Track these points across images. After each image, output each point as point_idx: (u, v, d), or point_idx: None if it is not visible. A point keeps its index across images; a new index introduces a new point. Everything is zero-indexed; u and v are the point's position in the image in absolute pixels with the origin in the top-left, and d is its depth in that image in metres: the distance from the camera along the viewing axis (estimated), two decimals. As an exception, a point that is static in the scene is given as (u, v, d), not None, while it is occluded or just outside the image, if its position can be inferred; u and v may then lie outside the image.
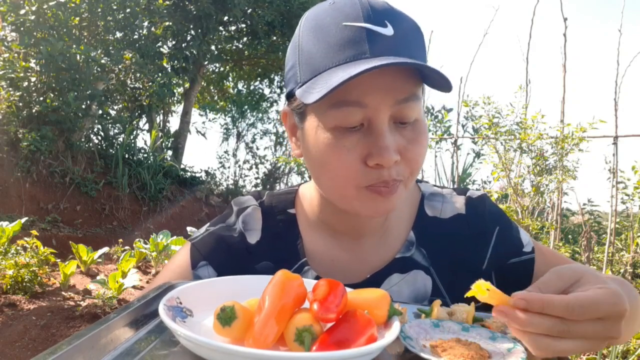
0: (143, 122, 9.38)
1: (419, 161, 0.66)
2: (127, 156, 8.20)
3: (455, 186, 6.33)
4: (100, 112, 7.84)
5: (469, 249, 0.78)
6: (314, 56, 0.64)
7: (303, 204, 0.82)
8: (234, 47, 10.93)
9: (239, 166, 11.80)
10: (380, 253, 0.78)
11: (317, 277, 0.76)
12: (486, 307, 0.77)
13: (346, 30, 0.62)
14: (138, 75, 8.23)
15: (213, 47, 10.08)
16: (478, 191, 0.84)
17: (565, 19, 4.92)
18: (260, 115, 12.31)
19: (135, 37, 8.24)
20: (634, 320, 0.57)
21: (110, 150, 8.19)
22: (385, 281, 0.75)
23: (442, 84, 0.63)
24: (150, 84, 8.28)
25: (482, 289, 0.49)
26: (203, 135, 11.21)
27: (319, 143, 0.66)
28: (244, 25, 10.28)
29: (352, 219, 0.75)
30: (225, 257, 0.79)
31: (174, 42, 9.16)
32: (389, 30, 0.62)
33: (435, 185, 0.85)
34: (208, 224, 0.84)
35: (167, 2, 8.14)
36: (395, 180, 0.64)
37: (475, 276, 0.75)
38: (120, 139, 8.37)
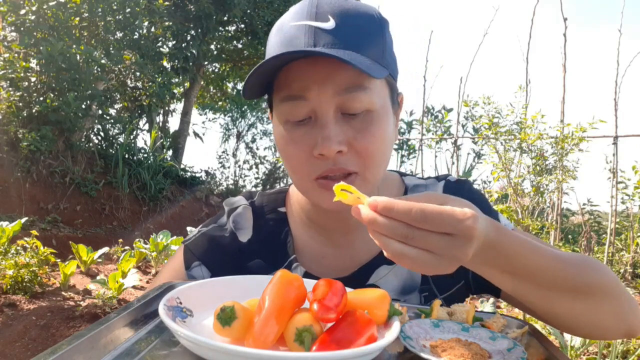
0: (143, 122, 9.39)
1: (369, 152, 0.66)
2: (127, 156, 8.20)
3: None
4: (100, 112, 7.84)
5: None
6: (266, 57, 0.67)
7: (293, 203, 0.84)
8: (233, 47, 10.93)
9: (239, 166, 11.82)
10: (367, 247, 0.78)
11: (306, 274, 0.77)
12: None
13: (292, 29, 0.64)
14: (138, 75, 8.23)
15: (213, 47, 10.08)
16: (460, 177, 0.84)
17: (565, 19, 4.92)
18: (260, 115, 12.32)
19: (135, 37, 8.24)
20: (506, 255, 0.54)
21: (110, 150, 8.19)
22: (374, 274, 0.76)
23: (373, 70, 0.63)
24: (150, 84, 8.28)
25: (344, 193, 0.51)
26: (201, 138, 11.22)
27: (277, 137, 0.70)
28: (243, 25, 10.28)
29: (335, 215, 0.76)
30: (217, 256, 0.80)
31: (174, 42, 9.16)
32: (329, 24, 0.63)
33: (419, 178, 0.86)
34: (201, 225, 0.86)
35: (167, 2, 8.13)
36: (342, 169, 0.64)
37: None
38: (120, 139, 8.37)
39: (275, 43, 0.66)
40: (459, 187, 0.82)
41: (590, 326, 0.64)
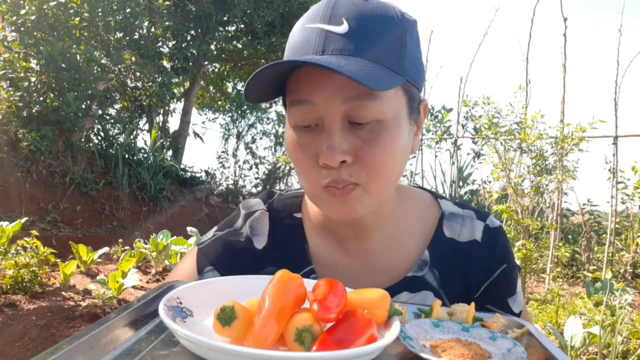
0: (143, 122, 9.39)
1: (375, 164, 0.63)
2: (127, 156, 8.20)
3: (455, 185, 6.34)
4: (100, 112, 7.84)
5: (473, 276, 0.77)
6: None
7: (308, 208, 0.81)
8: (233, 47, 10.94)
9: (239, 166, 11.81)
10: (391, 269, 0.76)
11: None
12: (486, 307, 0.77)
13: (305, 32, 0.62)
14: (138, 75, 8.24)
15: (213, 47, 10.09)
16: (497, 221, 0.82)
17: (565, 19, 4.92)
18: (259, 115, 12.32)
19: (135, 37, 8.25)
20: None
21: (110, 150, 8.19)
22: (394, 299, 0.74)
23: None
24: (150, 84, 8.29)
25: None
26: (201, 138, 11.22)
27: (287, 140, 0.68)
28: (243, 25, 10.29)
29: (347, 222, 0.74)
30: (231, 262, 0.78)
31: (174, 42, 9.17)
32: (342, 28, 0.60)
33: (455, 204, 0.82)
34: (215, 227, 0.83)
35: (167, 2, 8.14)
36: (345, 181, 0.62)
37: (468, 303, 0.76)
38: (120, 139, 8.37)
39: (290, 45, 0.65)
40: (496, 235, 0.79)
41: None
